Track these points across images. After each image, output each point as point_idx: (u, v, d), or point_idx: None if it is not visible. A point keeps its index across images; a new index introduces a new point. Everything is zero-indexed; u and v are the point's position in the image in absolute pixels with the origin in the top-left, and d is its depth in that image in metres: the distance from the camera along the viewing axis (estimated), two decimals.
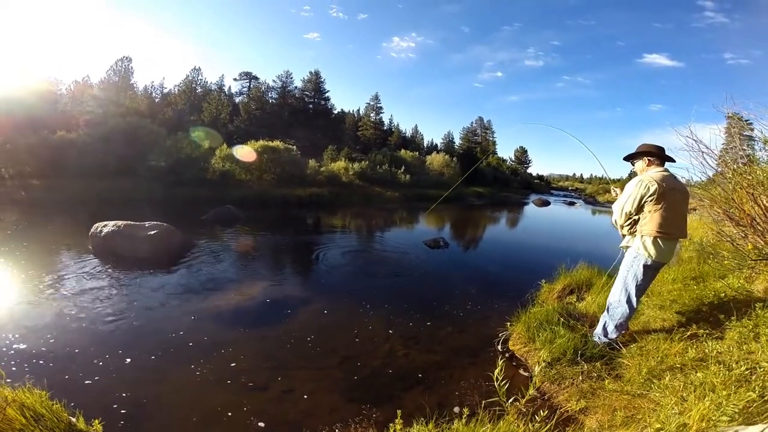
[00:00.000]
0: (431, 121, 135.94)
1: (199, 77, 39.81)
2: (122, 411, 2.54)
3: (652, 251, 2.79)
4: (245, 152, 16.40)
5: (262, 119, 36.76)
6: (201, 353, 3.36)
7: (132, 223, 6.25)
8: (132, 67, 33.77)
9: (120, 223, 6.16)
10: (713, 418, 1.45)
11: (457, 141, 53.57)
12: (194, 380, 2.95)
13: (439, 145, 53.38)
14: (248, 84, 44.07)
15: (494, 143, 54.66)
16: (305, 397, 2.84)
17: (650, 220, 2.78)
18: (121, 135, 13.61)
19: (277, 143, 18.96)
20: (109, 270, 5.33)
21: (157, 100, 36.64)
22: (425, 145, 53.21)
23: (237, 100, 42.23)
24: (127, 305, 4.25)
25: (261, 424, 2.49)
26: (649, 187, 2.76)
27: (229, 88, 44.16)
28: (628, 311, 2.98)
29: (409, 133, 55.48)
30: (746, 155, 3.75)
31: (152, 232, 6.10)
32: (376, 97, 47.65)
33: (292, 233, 9.88)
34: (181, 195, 12.36)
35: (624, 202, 2.94)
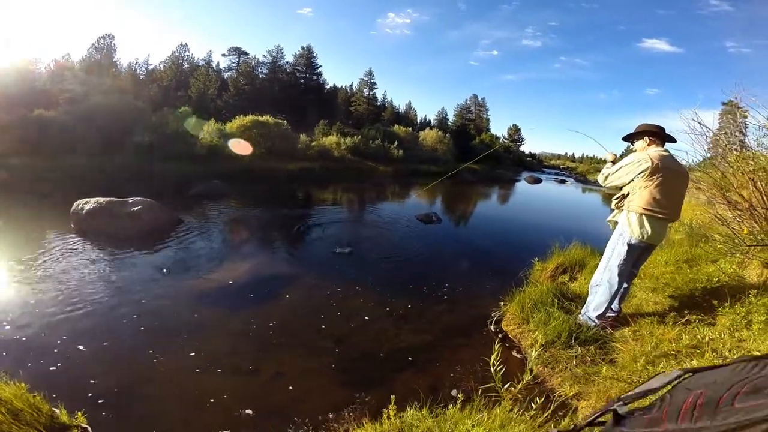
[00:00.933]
0: (425, 97, 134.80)
1: (186, 53, 38.99)
2: (105, 401, 2.45)
3: (637, 230, 2.76)
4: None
5: (251, 94, 35.91)
6: (186, 337, 3.27)
7: (114, 199, 6.04)
8: (114, 45, 32.99)
9: (102, 199, 5.94)
10: None
11: (451, 118, 53.04)
12: (179, 366, 2.87)
13: (432, 121, 52.83)
14: (237, 59, 42.87)
15: (488, 121, 54.41)
16: (295, 381, 2.79)
17: (639, 196, 2.75)
18: (103, 112, 13.17)
19: (266, 118, 18.48)
20: (90, 249, 5.15)
21: (142, 77, 35.72)
22: (419, 121, 52.64)
23: (226, 75, 41.08)
24: (107, 287, 4.09)
25: (249, 412, 2.43)
26: (642, 163, 2.72)
27: (218, 63, 43.10)
28: (608, 292, 2.97)
29: (402, 109, 54.74)
30: (740, 141, 3.75)
31: (135, 209, 5.91)
32: (370, 73, 46.57)
33: (282, 208, 9.72)
34: (168, 170, 11.99)
35: (612, 171, 2.94)
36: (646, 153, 2.78)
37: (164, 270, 4.67)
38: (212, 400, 2.52)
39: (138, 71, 36.94)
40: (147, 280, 4.34)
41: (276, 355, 3.12)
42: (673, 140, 2.97)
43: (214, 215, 7.93)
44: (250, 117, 18.13)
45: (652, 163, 2.68)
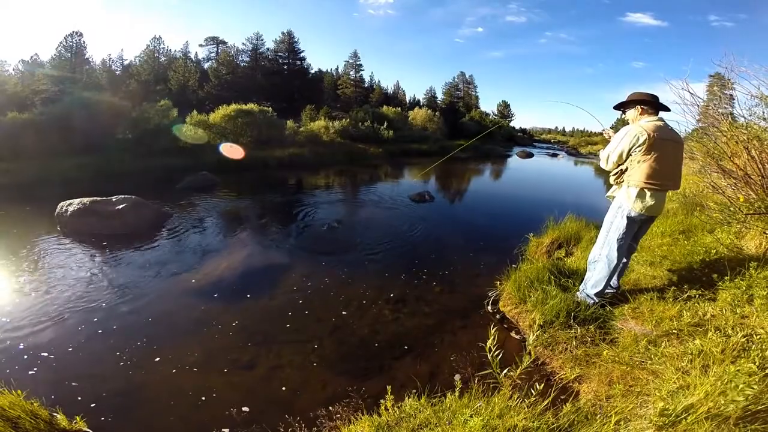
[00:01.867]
0: (413, 77, 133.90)
1: (162, 46, 38.10)
2: (103, 403, 2.41)
3: (637, 203, 2.69)
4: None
5: (234, 83, 35.22)
6: (180, 334, 3.21)
7: (98, 198, 5.86)
8: (84, 42, 31.67)
9: (85, 200, 5.76)
10: (726, 398, 1.37)
11: (440, 96, 52.40)
12: (175, 364, 2.82)
13: (421, 100, 52.19)
14: (216, 49, 41.92)
15: (477, 98, 53.94)
16: (292, 374, 2.75)
17: (638, 170, 2.66)
18: (80, 111, 12.75)
19: (251, 106, 18.04)
20: (77, 250, 5.02)
21: (117, 72, 35.09)
22: (408, 101, 52.04)
23: (205, 66, 40.16)
24: (96, 288, 3.99)
25: (245, 409, 2.38)
26: (638, 137, 2.61)
27: (196, 54, 42.23)
28: (607, 268, 2.90)
29: (390, 90, 54.00)
30: (729, 113, 3.73)
31: (121, 206, 5.75)
32: (356, 55, 45.65)
33: (272, 196, 9.57)
34: (154, 165, 11.72)
35: (611, 150, 2.82)
36: (640, 126, 2.66)
37: (158, 267, 4.56)
38: (210, 398, 2.48)
39: (113, 67, 36.36)
40: (137, 279, 4.24)
41: (272, 347, 3.07)
42: (666, 109, 2.86)
43: (204, 208, 7.76)
44: (233, 106, 17.63)
45: (649, 137, 2.57)
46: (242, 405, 2.41)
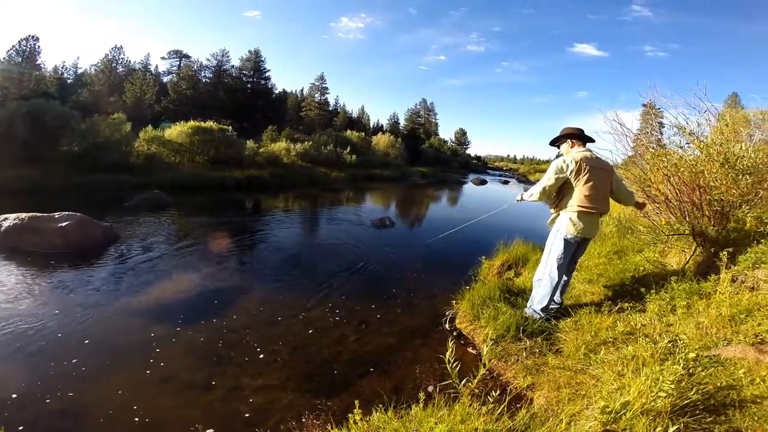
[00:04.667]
0: (378, 101, 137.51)
1: (121, 56, 36.74)
2: (48, 425, 2.26)
3: (570, 227, 2.99)
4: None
5: (194, 99, 34.43)
6: (132, 355, 3.05)
7: (38, 214, 5.44)
8: (39, 47, 30.03)
9: (23, 215, 5.33)
10: (652, 394, 1.58)
11: (402, 122, 54.09)
12: (127, 386, 2.67)
13: (384, 125, 53.55)
14: (178, 63, 40.89)
15: (436, 125, 56.36)
16: (255, 393, 2.70)
17: (569, 196, 3.00)
18: (24, 118, 11.92)
19: (210, 124, 17.67)
20: (15, 270, 4.61)
21: (69, 81, 33.25)
22: (372, 126, 53.16)
23: (165, 79, 38.95)
24: (40, 308, 3.71)
25: (210, 431, 2.31)
26: (568, 165, 2.97)
27: (156, 67, 41.18)
28: (549, 285, 3.18)
29: (355, 114, 55.00)
30: (657, 140, 4.20)
31: (64, 224, 5.37)
32: (322, 77, 46.48)
33: (229, 217, 9.32)
34: (101, 181, 11.06)
35: (543, 181, 3.15)
36: (569, 156, 3.04)
37: (106, 288, 4.30)
38: (166, 420, 2.38)
39: (66, 75, 34.37)
40: (80, 299, 3.96)
41: (232, 368, 2.99)
42: (591, 140, 3.26)
43: (155, 228, 7.41)
44: (191, 123, 17.19)
45: (575, 164, 2.94)
46: (203, 427, 2.32)
